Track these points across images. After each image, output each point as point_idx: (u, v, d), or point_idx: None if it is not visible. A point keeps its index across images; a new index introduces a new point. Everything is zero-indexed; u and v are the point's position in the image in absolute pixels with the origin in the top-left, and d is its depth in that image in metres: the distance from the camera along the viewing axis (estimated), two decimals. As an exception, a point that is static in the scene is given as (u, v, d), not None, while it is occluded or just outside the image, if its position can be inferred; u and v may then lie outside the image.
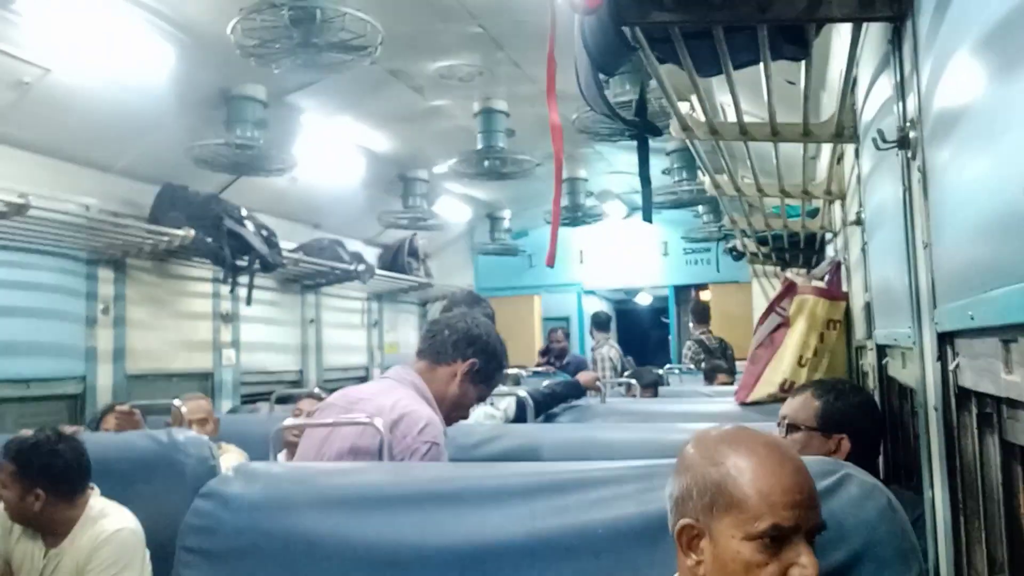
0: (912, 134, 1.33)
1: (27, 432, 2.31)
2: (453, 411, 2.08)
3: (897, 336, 1.65)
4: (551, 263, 1.68)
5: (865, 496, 1.24)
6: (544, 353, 7.04)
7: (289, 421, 1.90)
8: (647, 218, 1.91)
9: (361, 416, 1.75)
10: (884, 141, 1.38)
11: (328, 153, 4.68)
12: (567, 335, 7.27)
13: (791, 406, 1.90)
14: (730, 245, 5.74)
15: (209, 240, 4.04)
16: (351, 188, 5.27)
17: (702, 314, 7.38)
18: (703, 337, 7.23)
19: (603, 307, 9.03)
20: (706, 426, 2.27)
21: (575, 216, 6.40)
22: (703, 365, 6.49)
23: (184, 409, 3.07)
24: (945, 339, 1.21)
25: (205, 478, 2.55)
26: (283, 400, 4.16)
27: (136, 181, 3.98)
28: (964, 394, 1.18)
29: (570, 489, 1.40)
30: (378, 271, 5.69)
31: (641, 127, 1.82)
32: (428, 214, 5.77)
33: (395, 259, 6.10)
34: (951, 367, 1.19)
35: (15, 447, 2.23)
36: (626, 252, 7.86)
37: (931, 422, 1.31)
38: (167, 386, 4.16)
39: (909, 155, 1.37)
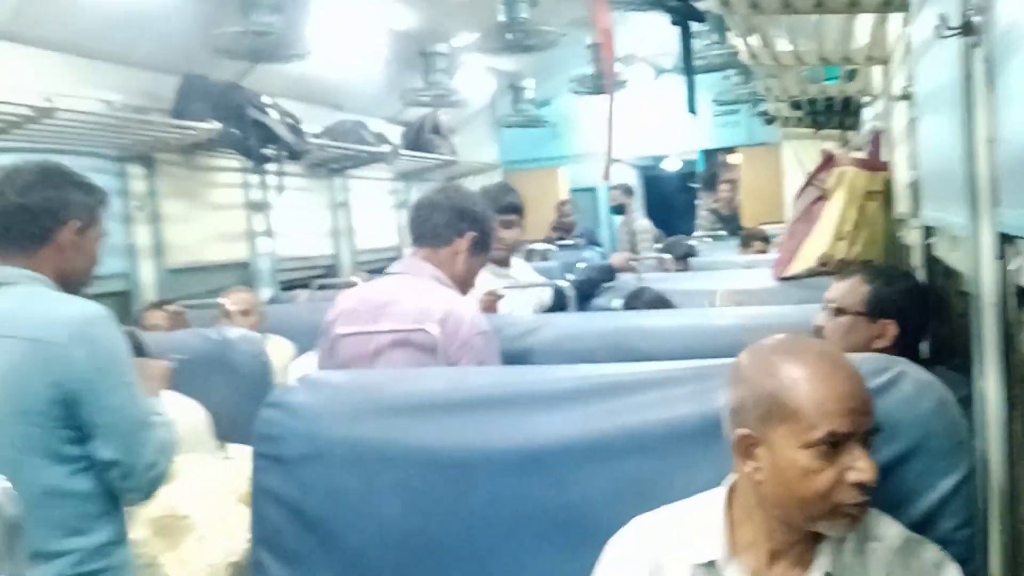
0: (977, 19, 1.27)
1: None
2: (463, 287, 2.14)
3: (949, 222, 1.64)
4: (608, 177, 1.65)
5: (919, 393, 1.27)
6: (556, 227, 7.12)
7: (342, 329, 1.94)
8: (692, 110, 1.87)
9: (412, 324, 1.79)
10: (947, 28, 1.32)
11: (347, 32, 4.55)
12: (575, 208, 7.39)
13: (838, 290, 1.91)
14: (761, 109, 5.59)
15: (234, 131, 4.00)
16: (371, 67, 5.15)
17: (710, 181, 7.33)
18: (716, 206, 7.21)
19: (630, 175, 8.93)
20: (752, 310, 2.30)
21: (599, 84, 6.24)
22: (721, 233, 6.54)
23: (229, 304, 3.15)
24: (1006, 238, 1.20)
25: (258, 374, 2.66)
26: (325, 289, 4.24)
27: (156, 72, 3.91)
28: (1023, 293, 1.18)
29: (625, 391, 1.44)
30: (402, 151, 5.63)
31: (684, 13, 1.75)
32: (450, 89, 5.64)
33: (418, 137, 6.02)
34: (1011, 267, 1.19)
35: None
36: (653, 118, 7.67)
37: (986, 316, 1.31)
38: (206, 277, 4.23)
39: (972, 42, 1.31)
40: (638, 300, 2.84)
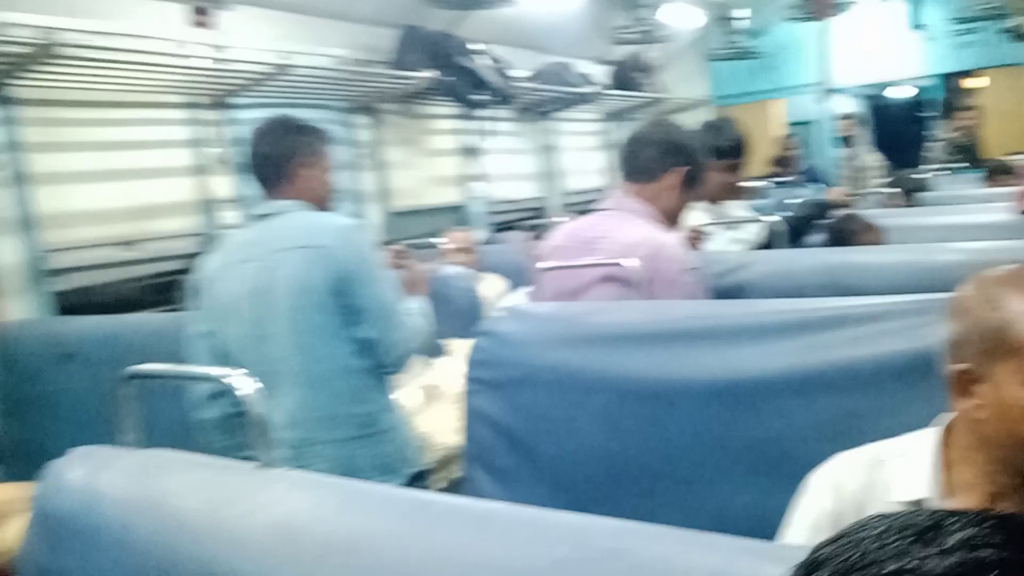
0: None
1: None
2: (673, 223, 2.12)
3: None
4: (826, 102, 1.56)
5: None
6: (778, 162, 6.77)
7: (544, 264, 2.02)
8: (917, 25, 1.72)
9: (618, 259, 1.83)
10: None
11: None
12: (800, 143, 6.93)
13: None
14: (1009, 25, 4.99)
15: (448, 78, 4.17)
16: (577, 8, 5.15)
17: (948, 109, 6.63)
18: (954, 135, 6.53)
19: (852, 105, 8.30)
20: (979, 244, 2.12)
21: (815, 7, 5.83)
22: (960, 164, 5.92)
23: (447, 243, 3.36)
24: None
25: (471, 308, 2.83)
26: (535, 229, 4.36)
27: (377, 26, 4.16)
28: None
29: (832, 325, 1.40)
30: (608, 91, 5.60)
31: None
32: (656, 24, 5.52)
33: (625, 76, 5.95)
34: None
35: None
36: (881, 41, 7.05)
37: None
38: (426, 220, 4.50)
39: None
40: (845, 230, 2.67)
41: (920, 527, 0.39)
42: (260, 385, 0.95)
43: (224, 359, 1.98)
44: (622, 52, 6.00)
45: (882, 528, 0.41)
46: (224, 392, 1.94)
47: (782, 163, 6.72)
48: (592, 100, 5.40)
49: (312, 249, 2.01)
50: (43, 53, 2.57)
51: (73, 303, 3.04)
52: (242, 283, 2.03)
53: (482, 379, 1.69)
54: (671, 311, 1.65)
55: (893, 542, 0.39)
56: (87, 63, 2.82)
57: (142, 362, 1.09)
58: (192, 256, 3.41)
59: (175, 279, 3.24)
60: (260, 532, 0.78)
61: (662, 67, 6.26)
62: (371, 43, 4.15)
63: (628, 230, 2.00)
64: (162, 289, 3.28)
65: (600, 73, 5.83)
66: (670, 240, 1.98)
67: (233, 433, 1.92)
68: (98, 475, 0.95)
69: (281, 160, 2.12)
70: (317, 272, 1.98)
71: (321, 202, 2.20)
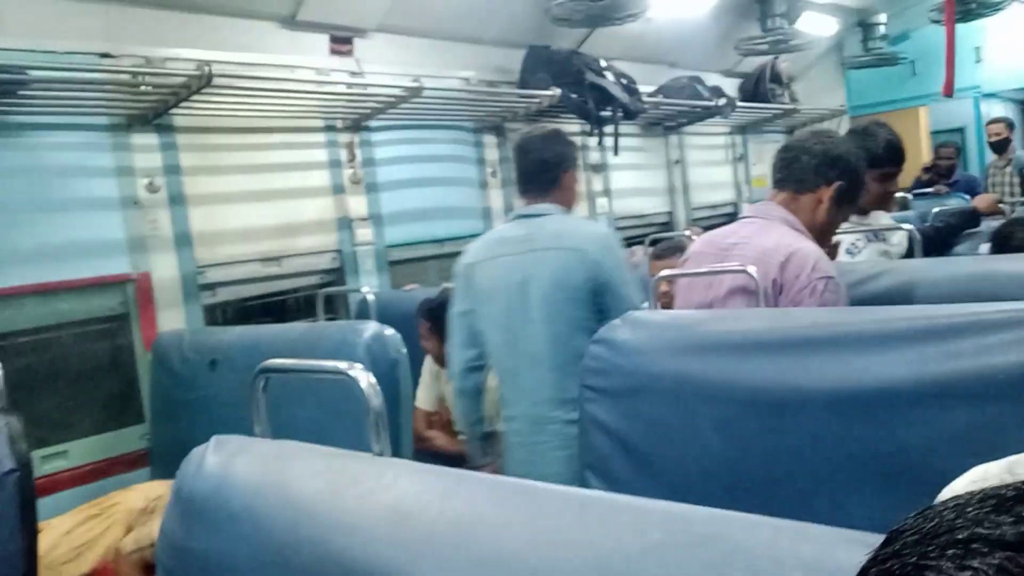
0: None
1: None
2: (821, 239, 2.03)
3: None
4: (949, 92, 1.50)
5: None
6: (928, 169, 6.37)
7: (665, 272, 2.01)
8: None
9: (734, 264, 1.80)
10: None
11: (679, -12, 4.55)
12: (958, 151, 6.46)
13: None
14: None
15: (573, 96, 4.22)
16: (705, 20, 5.09)
17: None
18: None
19: (1007, 112, 7.77)
20: None
21: (967, 9, 5.50)
22: None
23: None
24: None
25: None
26: (656, 243, 4.33)
27: (505, 48, 4.27)
28: None
29: (966, 332, 1.32)
30: (739, 103, 5.50)
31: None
32: (790, 33, 5.37)
33: (756, 88, 5.82)
34: None
35: (426, 306, 2.70)
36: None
37: None
38: (551, 236, 4.55)
39: None
40: (1012, 238, 2.47)
41: (1003, 498, 0.38)
42: (374, 380, 1.01)
43: (477, 336, 2.37)
44: (753, 63, 5.87)
45: (964, 500, 0.40)
46: (480, 366, 2.40)
47: (934, 172, 6.33)
48: (721, 113, 5.31)
49: (572, 251, 2.26)
50: (199, 84, 2.79)
51: (220, 314, 3.27)
52: (502, 273, 2.31)
53: (597, 387, 1.69)
54: (793, 318, 1.61)
55: (972, 511, 0.38)
56: (237, 92, 3.04)
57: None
58: (329, 271, 3.60)
59: (312, 293, 3.43)
60: (372, 515, 0.82)
61: (795, 77, 6.08)
62: (498, 64, 4.26)
63: (765, 237, 1.94)
64: (300, 302, 3.47)
65: (730, 86, 5.74)
66: (807, 247, 1.90)
67: (479, 401, 2.43)
68: (232, 462, 1.03)
69: (551, 166, 2.38)
70: (576, 272, 2.24)
71: (571, 207, 2.46)
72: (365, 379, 1.00)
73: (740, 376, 1.53)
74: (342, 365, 1.05)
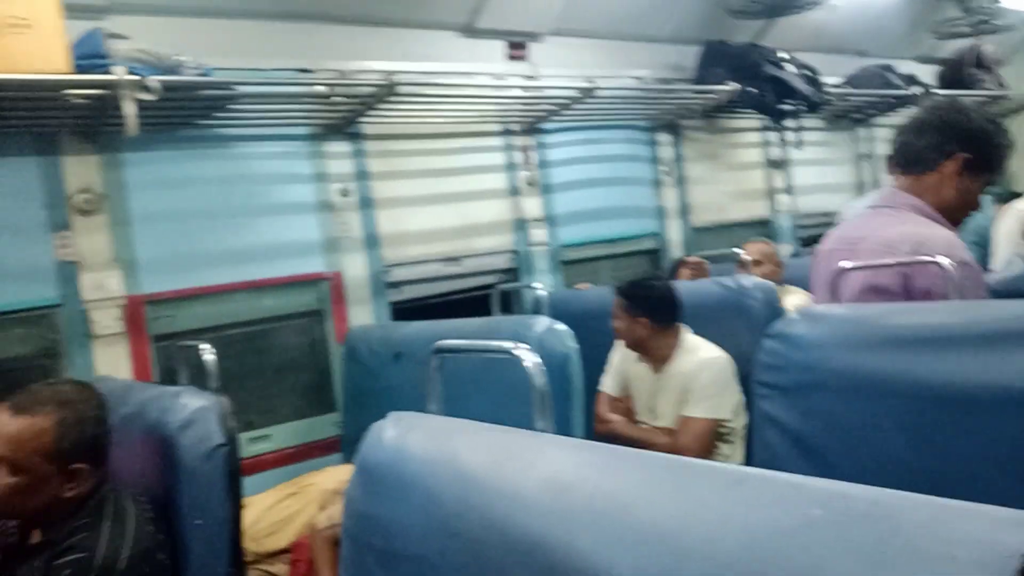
0: None
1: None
2: (959, 213, 1.85)
3: None
4: None
5: None
6: None
7: (845, 263, 1.91)
8: None
9: (924, 257, 1.69)
10: None
11: (868, -29, 4.30)
12: None
13: None
14: None
15: (752, 90, 4.10)
16: (895, 3, 4.78)
17: None
18: None
19: None
20: None
21: None
22: None
23: (745, 255, 3.29)
24: None
25: (770, 319, 2.74)
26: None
27: (679, 45, 4.21)
28: None
29: None
30: (937, 91, 5.11)
31: None
32: (994, 12, 4.93)
33: (957, 74, 5.38)
34: None
35: (622, 285, 2.72)
36: None
37: None
38: (728, 235, 4.44)
39: None
40: None
41: None
42: (538, 360, 1.04)
43: None
44: (952, 48, 5.44)
45: None
46: None
47: None
48: (917, 103, 4.96)
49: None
50: (385, 93, 2.97)
51: (404, 310, 3.45)
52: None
53: (771, 383, 1.64)
54: (982, 312, 1.48)
55: None
56: (419, 99, 3.21)
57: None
58: (505, 271, 3.71)
59: (488, 292, 3.55)
60: (533, 486, 0.85)
61: (1003, 61, 5.57)
62: (673, 61, 4.22)
63: (890, 227, 1.81)
64: (477, 299, 3.59)
65: (926, 73, 5.34)
66: (935, 234, 1.75)
67: None
68: (407, 436, 1.10)
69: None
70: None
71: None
72: (530, 359, 1.04)
73: (928, 372, 1.44)
74: (508, 345, 1.09)
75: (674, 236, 4.31)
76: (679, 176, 4.34)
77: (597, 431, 2.78)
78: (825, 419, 1.56)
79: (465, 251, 3.61)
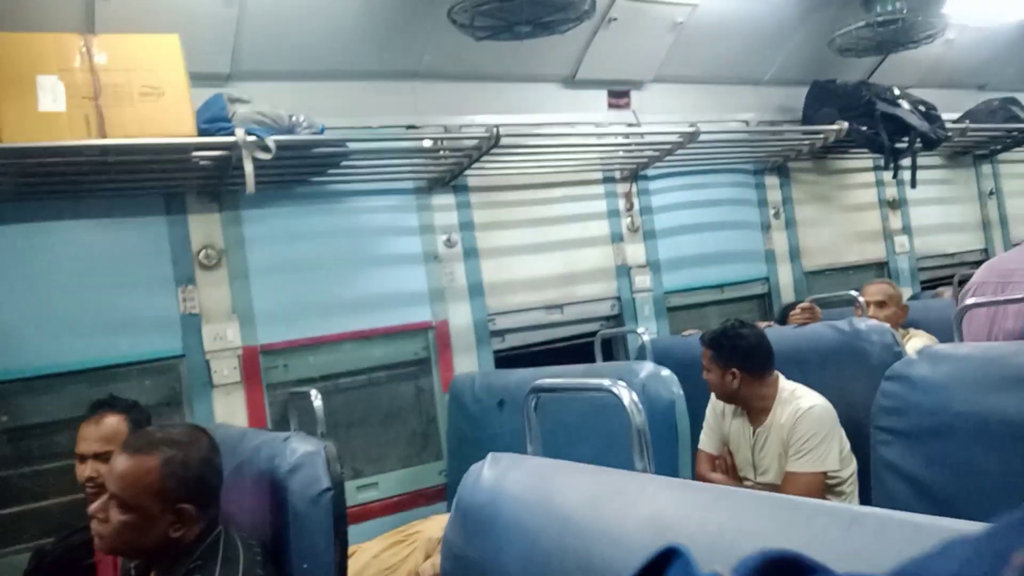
0: None
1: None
2: None
3: None
4: None
5: None
6: None
7: (971, 300, 1.79)
8: None
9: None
10: None
11: (985, 2, 4.12)
12: None
13: None
14: None
15: (863, 128, 3.97)
16: (1018, 35, 4.56)
17: None
18: None
19: None
20: None
21: None
22: None
23: (863, 297, 3.15)
24: None
25: (889, 362, 2.60)
26: (964, 281, 3.89)
27: (785, 87, 4.14)
28: None
29: None
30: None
31: None
32: None
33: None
34: None
35: (709, 335, 2.63)
36: None
37: None
38: (843, 279, 4.27)
39: None
40: None
41: None
42: (636, 398, 1.02)
43: None
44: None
45: None
46: None
47: None
48: (1047, 136, 4.69)
49: None
50: (489, 146, 3.03)
51: (508, 359, 3.46)
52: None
53: (891, 428, 1.55)
54: None
55: None
56: (522, 150, 3.26)
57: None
58: (608, 318, 3.67)
59: (591, 340, 3.52)
60: (633, 527, 0.82)
61: None
62: (779, 103, 4.15)
63: None
64: (580, 347, 3.57)
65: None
66: None
67: None
68: (505, 476, 1.09)
69: None
70: None
71: None
72: (628, 396, 1.02)
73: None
74: (605, 382, 1.07)
75: (784, 280, 4.18)
76: (788, 218, 4.22)
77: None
78: (950, 465, 1.45)
79: (568, 298, 3.60)
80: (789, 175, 4.25)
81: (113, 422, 2.05)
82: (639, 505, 0.85)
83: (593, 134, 3.51)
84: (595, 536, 0.86)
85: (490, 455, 1.16)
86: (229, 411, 2.88)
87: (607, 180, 3.74)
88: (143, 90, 2.52)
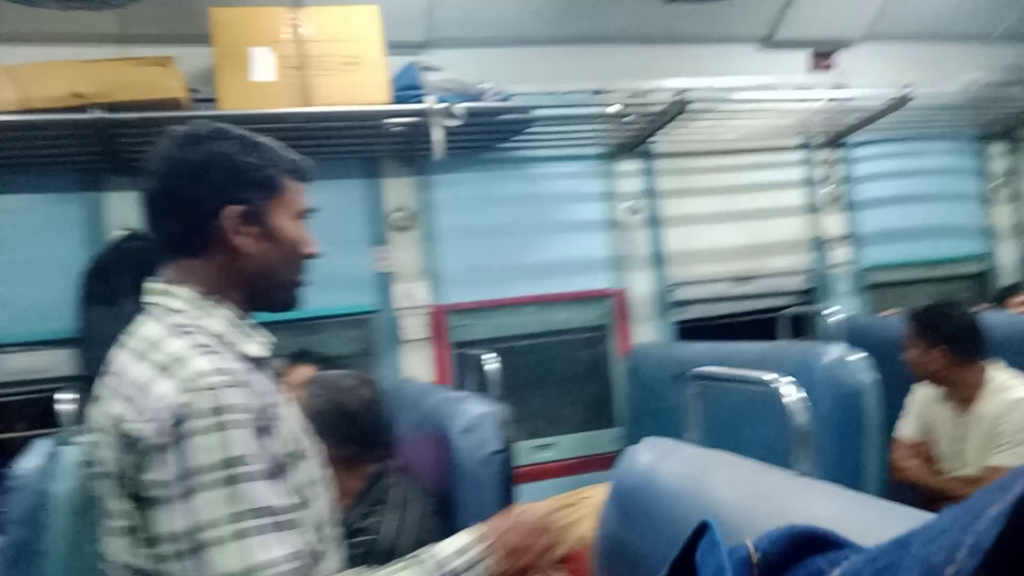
0: None
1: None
2: None
3: None
4: None
5: None
6: None
7: None
8: None
9: None
10: None
11: None
12: None
13: None
14: None
15: (1116, 89, 3.47)
16: None
17: None
18: None
19: None
20: None
21: None
22: None
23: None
24: None
25: None
26: None
27: (1017, 44, 3.69)
28: None
29: None
30: None
31: None
32: None
33: None
34: None
35: (916, 310, 2.45)
36: None
37: None
38: (1080, 259, 3.81)
39: None
40: None
41: None
42: (802, 395, 0.96)
43: None
44: None
45: None
46: None
47: None
48: None
49: None
50: (676, 111, 2.94)
51: (689, 330, 3.38)
52: None
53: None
54: None
55: None
56: (712, 115, 3.14)
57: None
58: (799, 293, 3.50)
59: (779, 315, 3.36)
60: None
61: None
62: (1009, 62, 3.71)
63: None
64: (767, 323, 3.42)
65: None
66: None
67: None
68: (660, 463, 1.07)
69: None
70: None
71: None
72: (791, 393, 0.96)
73: None
74: (766, 376, 1.02)
75: (1006, 260, 3.77)
76: (1015, 191, 3.80)
77: (893, 479, 2.51)
78: None
79: (756, 271, 3.45)
80: (1020, 143, 3.80)
81: (304, 373, 2.22)
82: (794, 512, 0.80)
83: (790, 99, 3.31)
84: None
85: (647, 439, 1.15)
86: (416, 367, 3.04)
87: (804, 147, 3.53)
88: (344, 60, 2.66)
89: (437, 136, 2.66)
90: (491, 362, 2.28)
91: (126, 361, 1.09)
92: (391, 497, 1.75)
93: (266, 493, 1.00)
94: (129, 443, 1.01)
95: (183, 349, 1.05)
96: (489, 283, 3.14)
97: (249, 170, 1.19)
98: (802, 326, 3.46)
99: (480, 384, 2.67)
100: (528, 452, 3.11)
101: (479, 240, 3.14)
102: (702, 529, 0.52)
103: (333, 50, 2.65)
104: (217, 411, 0.99)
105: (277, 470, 1.04)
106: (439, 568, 1.09)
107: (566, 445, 3.24)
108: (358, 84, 2.66)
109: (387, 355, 3.03)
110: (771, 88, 3.32)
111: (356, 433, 1.74)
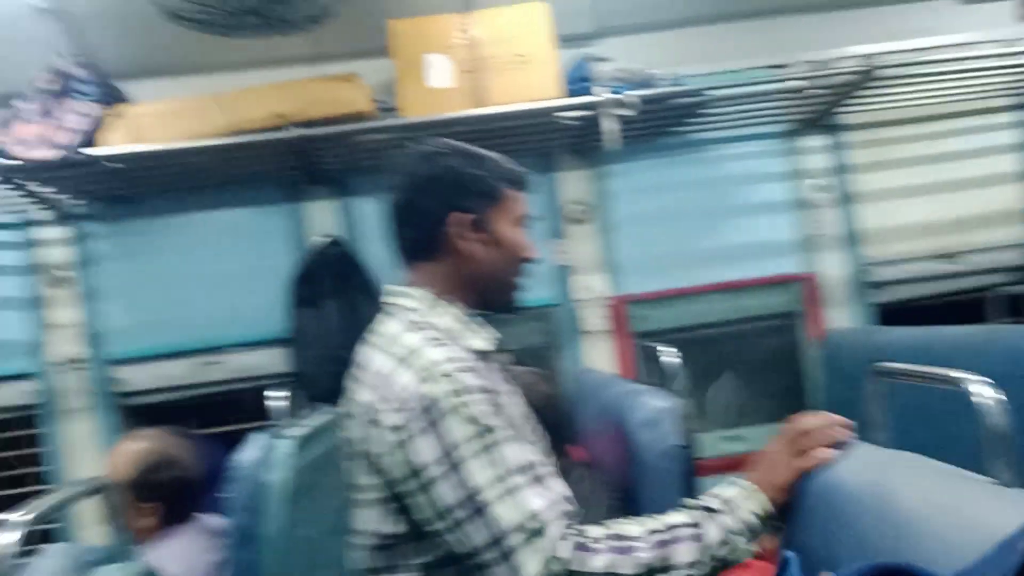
0: None
1: None
2: None
3: None
4: None
5: None
6: None
7: None
8: None
9: None
10: None
11: None
12: None
13: None
14: None
15: None
16: None
17: None
18: None
19: None
20: None
21: None
22: None
23: None
24: None
25: None
26: None
27: None
28: None
29: None
30: None
31: None
32: None
33: None
34: None
35: None
36: None
37: None
38: None
39: None
40: None
41: None
42: (997, 395, 0.88)
43: None
44: None
45: None
46: None
47: None
48: None
49: None
50: (865, 79, 2.75)
51: (890, 314, 3.15)
52: None
53: None
54: None
55: None
56: (907, 81, 2.90)
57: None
58: (1015, 270, 3.17)
59: (991, 295, 3.07)
60: (973, 551, 0.72)
61: None
62: None
63: None
64: (977, 303, 3.12)
65: None
66: None
67: None
68: (841, 463, 1.02)
69: None
70: None
71: None
72: (985, 392, 0.88)
73: None
74: (956, 374, 0.93)
75: None
76: None
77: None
78: None
79: (963, 246, 3.16)
80: None
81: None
82: (988, 527, 0.74)
83: (998, 55, 2.99)
84: (934, 552, 0.77)
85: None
86: (597, 358, 3.05)
87: (1018, 108, 3.18)
88: (514, 58, 2.71)
89: (608, 126, 2.65)
90: (671, 355, 2.25)
91: (370, 354, 1.25)
92: (576, 493, 1.78)
93: (522, 452, 1.12)
94: (380, 429, 1.15)
95: (418, 342, 1.19)
96: (670, 272, 3.10)
97: (474, 181, 1.32)
98: (1019, 306, 3.13)
99: (662, 375, 2.64)
100: (717, 443, 3.04)
101: (658, 228, 3.11)
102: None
103: (503, 50, 2.70)
104: (457, 393, 1.12)
105: (519, 435, 1.16)
106: (724, 503, 1.16)
107: (756, 437, 3.13)
108: (529, 81, 2.70)
109: (569, 347, 3.07)
110: (972, 45, 3.01)
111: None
